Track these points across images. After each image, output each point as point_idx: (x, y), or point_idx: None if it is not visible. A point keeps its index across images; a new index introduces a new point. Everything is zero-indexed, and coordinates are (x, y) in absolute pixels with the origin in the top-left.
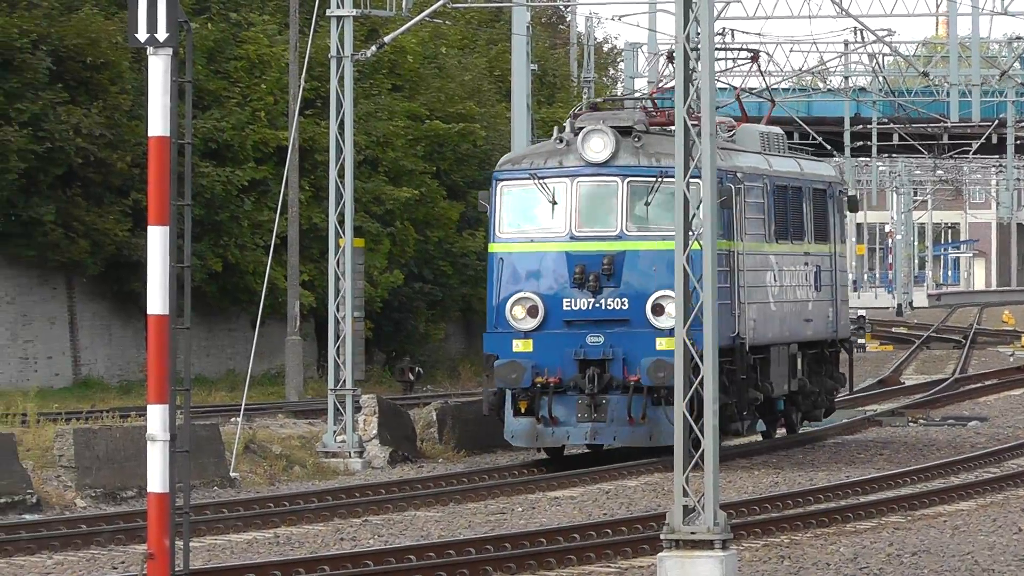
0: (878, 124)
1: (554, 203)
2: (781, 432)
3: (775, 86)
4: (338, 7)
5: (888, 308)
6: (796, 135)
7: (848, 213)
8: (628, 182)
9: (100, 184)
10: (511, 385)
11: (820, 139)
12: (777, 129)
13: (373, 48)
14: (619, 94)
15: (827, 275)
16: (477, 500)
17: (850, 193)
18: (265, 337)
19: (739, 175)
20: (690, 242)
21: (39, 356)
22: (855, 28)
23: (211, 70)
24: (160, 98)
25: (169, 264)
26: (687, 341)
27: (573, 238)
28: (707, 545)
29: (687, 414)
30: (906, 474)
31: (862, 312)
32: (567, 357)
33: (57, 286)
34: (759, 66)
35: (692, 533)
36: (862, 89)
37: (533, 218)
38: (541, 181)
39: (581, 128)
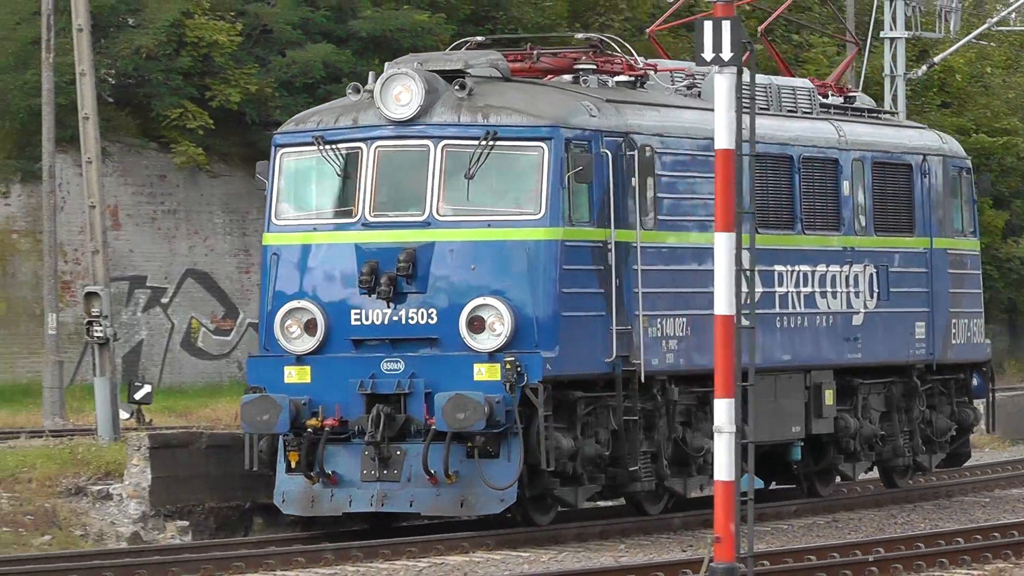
0: None
1: (344, 177)
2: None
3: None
4: (891, 29)
5: None
6: None
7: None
8: (443, 147)
9: None
10: (259, 429)
11: None
12: (793, 80)
13: (924, 67)
14: None
15: (914, 278)
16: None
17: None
18: None
19: (635, 137)
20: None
21: None
22: None
23: None
24: (725, 113)
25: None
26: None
27: (366, 225)
28: None
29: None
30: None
31: None
32: (353, 390)
33: None
34: None
35: None
36: None
37: (317, 198)
38: (328, 147)
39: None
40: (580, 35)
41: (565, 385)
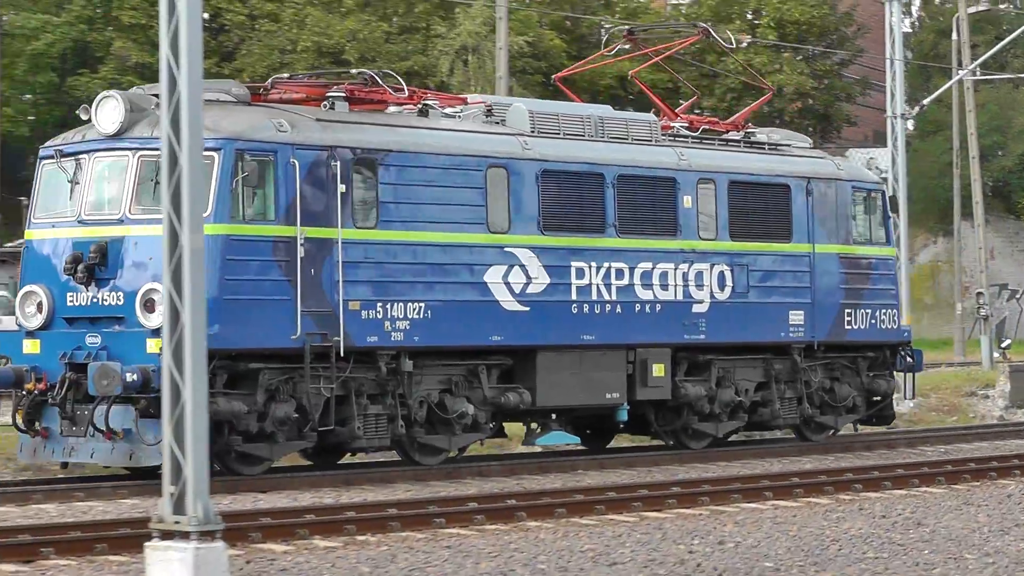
0: None
1: (73, 182)
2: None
3: None
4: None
5: None
6: None
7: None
8: (139, 157)
9: None
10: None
11: None
12: (636, 114)
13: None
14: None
15: (788, 276)
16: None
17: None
18: None
19: (341, 151)
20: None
21: None
22: None
23: None
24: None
25: None
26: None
27: (80, 222)
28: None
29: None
30: None
31: None
32: (61, 360)
33: None
34: None
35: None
36: None
37: (57, 200)
38: (63, 158)
39: None
40: (355, 71)
41: (245, 357)
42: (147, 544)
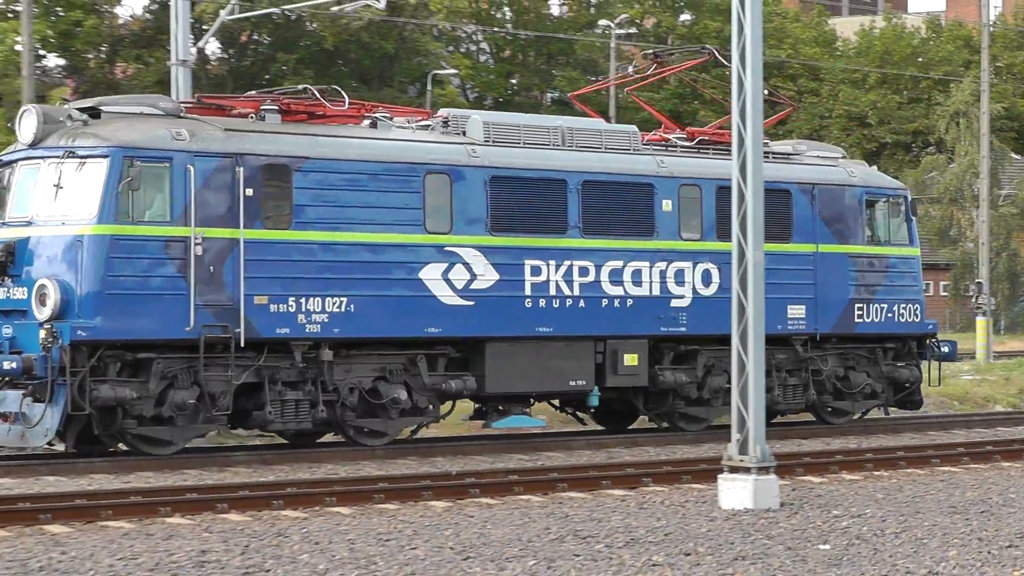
0: None
1: (4, 189)
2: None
3: None
4: None
5: None
6: None
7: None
8: (49, 163)
9: None
10: None
11: None
12: (616, 126)
13: None
14: None
15: (786, 273)
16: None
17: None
18: None
19: (248, 158)
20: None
21: None
22: None
23: None
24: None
25: None
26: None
27: (4, 224)
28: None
29: None
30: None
31: None
32: None
33: None
34: None
35: None
36: None
37: (2, 205)
38: (3, 167)
39: None
40: (300, 87)
41: (136, 347)
42: (720, 476)
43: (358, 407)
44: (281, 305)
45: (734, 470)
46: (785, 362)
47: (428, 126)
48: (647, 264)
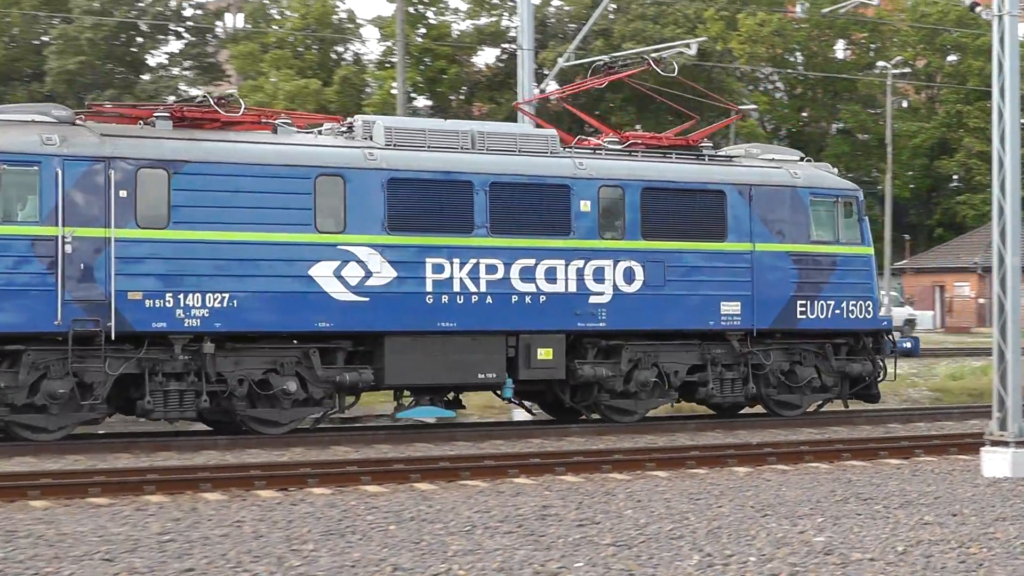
0: None
1: None
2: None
3: None
4: None
5: None
6: None
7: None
8: None
9: None
10: None
11: None
12: (535, 130)
13: None
14: None
15: (719, 271)
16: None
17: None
18: None
19: (120, 162)
20: None
21: None
22: None
23: None
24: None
25: None
26: None
27: None
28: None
29: None
30: None
31: None
32: None
33: None
34: None
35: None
36: None
37: None
38: None
39: None
40: (200, 95)
41: (5, 339)
42: (983, 448)
43: (249, 398)
44: (157, 300)
45: (995, 443)
46: (722, 356)
47: (343, 132)
48: (562, 262)
